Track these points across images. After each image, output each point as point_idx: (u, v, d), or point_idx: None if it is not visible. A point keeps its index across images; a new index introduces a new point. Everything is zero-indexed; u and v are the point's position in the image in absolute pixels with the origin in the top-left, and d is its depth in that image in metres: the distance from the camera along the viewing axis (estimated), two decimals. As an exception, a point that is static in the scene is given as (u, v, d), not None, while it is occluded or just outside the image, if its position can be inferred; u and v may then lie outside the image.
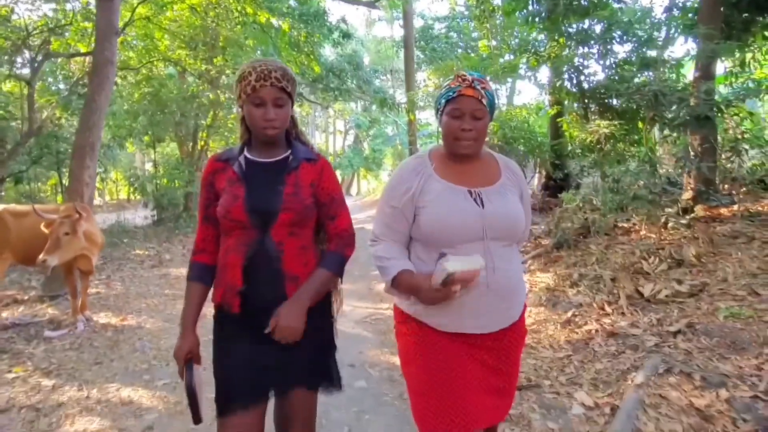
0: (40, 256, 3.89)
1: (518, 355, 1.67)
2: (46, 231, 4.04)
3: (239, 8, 11.91)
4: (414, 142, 15.98)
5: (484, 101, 1.53)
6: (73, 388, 3.14)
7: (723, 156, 6.18)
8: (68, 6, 10.09)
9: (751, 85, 6.51)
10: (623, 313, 3.74)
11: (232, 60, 13.52)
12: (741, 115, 6.38)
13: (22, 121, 10.42)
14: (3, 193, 11.75)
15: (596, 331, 3.57)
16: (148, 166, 24.42)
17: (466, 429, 1.50)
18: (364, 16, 30.27)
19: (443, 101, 1.56)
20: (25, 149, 10.52)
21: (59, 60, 9.51)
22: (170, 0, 11.56)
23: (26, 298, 5.92)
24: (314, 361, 1.58)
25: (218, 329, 1.58)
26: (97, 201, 15.87)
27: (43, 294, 5.66)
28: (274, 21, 12.92)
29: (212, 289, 1.59)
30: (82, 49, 10.12)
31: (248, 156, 1.58)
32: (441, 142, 1.66)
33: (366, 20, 37.92)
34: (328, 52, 21.79)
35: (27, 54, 9.84)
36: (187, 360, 1.51)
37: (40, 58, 8.62)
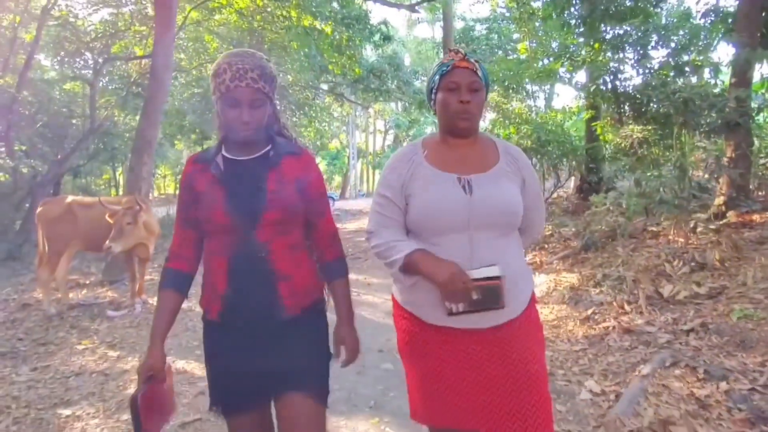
0: (106, 243, 4.35)
1: (531, 344, 1.51)
2: (110, 221, 4.49)
3: (284, 13, 12.36)
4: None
5: (479, 73, 1.49)
6: (135, 358, 3.57)
7: (759, 162, 6.20)
8: (125, 9, 10.80)
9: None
10: (641, 312, 3.91)
11: (277, 62, 14.08)
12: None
13: (83, 119, 11.20)
14: (62, 186, 12.58)
15: (613, 327, 3.76)
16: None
17: (457, 425, 1.48)
18: (405, 17, 30.62)
19: (437, 78, 1.51)
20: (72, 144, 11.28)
21: (118, 62, 10.15)
22: (219, 4, 12.08)
23: (88, 282, 6.49)
24: (308, 367, 1.49)
25: (205, 335, 1.53)
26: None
27: (103, 279, 6.20)
28: (317, 24, 13.32)
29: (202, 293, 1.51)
30: (139, 53, 10.81)
31: (226, 155, 1.49)
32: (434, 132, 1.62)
33: (407, 21, 38.12)
34: (369, 52, 22.12)
35: (89, 56, 10.61)
36: (148, 377, 1.41)
37: (101, 60, 9.26)
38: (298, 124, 19.34)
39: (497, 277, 1.37)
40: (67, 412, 2.76)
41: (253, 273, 1.42)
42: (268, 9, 12.37)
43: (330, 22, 14.15)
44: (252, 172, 1.46)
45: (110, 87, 10.72)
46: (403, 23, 37.41)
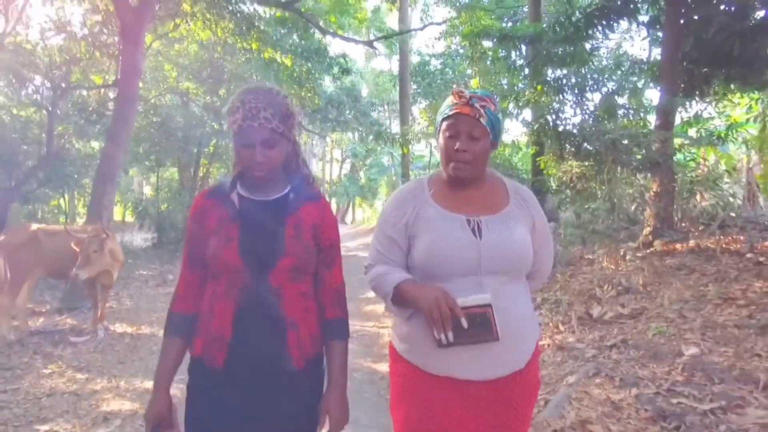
0: (73, 271, 4.50)
1: (527, 410, 1.48)
2: (76, 249, 4.64)
3: (245, 45, 12.70)
4: (407, 174, 16.74)
5: (483, 120, 1.41)
6: (104, 380, 3.74)
7: (683, 196, 6.89)
8: (80, 36, 10.88)
9: (703, 134, 7.23)
10: (573, 331, 4.36)
11: (236, 91, 14.36)
12: (696, 161, 7.14)
13: (36, 145, 11.11)
14: (9, 213, 12.34)
15: (548, 345, 4.18)
16: (146, 190, 25.08)
17: None
18: (364, 49, 31.53)
19: (440, 120, 1.47)
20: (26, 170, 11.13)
21: (79, 92, 10.23)
22: (181, 35, 12.32)
23: (44, 310, 6.49)
24: (306, 420, 1.45)
25: (194, 384, 1.44)
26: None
27: (62, 306, 6.24)
28: (278, 57, 13.71)
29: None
30: (97, 80, 10.90)
31: (241, 193, 1.45)
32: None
33: (365, 53, 39.13)
34: (327, 83, 22.65)
35: (46, 84, 10.62)
36: (157, 425, 1.40)
37: (59, 90, 9.34)
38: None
39: (487, 305, 1.30)
40: (44, 427, 2.95)
41: (263, 319, 1.36)
42: (229, 41, 12.71)
43: (290, 56, 14.58)
44: (270, 215, 1.41)
45: (69, 114, 10.70)
46: (361, 55, 38.33)
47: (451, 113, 1.43)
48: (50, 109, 9.15)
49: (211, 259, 1.38)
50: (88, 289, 5.30)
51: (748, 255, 5.18)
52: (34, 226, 5.39)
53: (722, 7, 7.13)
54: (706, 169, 11.56)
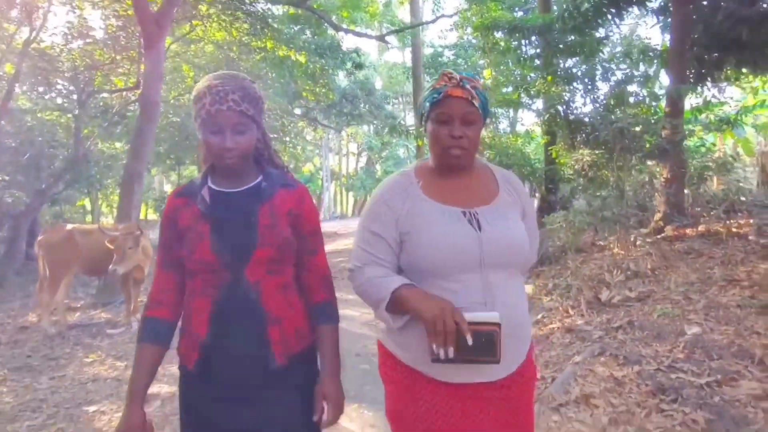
0: (111, 266, 4.81)
1: (530, 404, 1.45)
2: (110, 246, 4.95)
3: (260, 44, 12.95)
4: (422, 165, 16.92)
5: (476, 102, 1.33)
6: (142, 367, 4.03)
7: (693, 182, 6.98)
8: (100, 41, 11.24)
9: (713, 119, 7.30)
10: (582, 315, 4.54)
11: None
12: (707, 146, 7.22)
13: (63, 148, 11.54)
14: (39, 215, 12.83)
15: (558, 328, 4.38)
16: (167, 188, 25.64)
17: None
18: (376, 42, 31.60)
19: (428, 105, 1.37)
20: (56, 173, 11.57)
21: (102, 95, 10.62)
22: (198, 37, 12.62)
23: (78, 305, 6.85)
24: (297, 426, 1.38)
25: (181, 385, 1.41)
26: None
27: (96, 301, 6.59)
28: (292, 54, 13.96)
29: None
30: (119, 84, 11.26)
31: (212, 187, 1.39)
32: (424, 158, 1.52)
33: (378, 46, 39.23)
34: (342, 77, 22.86)
35: (71, 88, 11.01)
36: None
37: (84, 94, 9.71)
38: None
39: (495, 324, 1.21)
40: (92, 408, 3.26)
41: (241, 316, 1.31)
42: (244, 40, 12.97)
43: (304, 52, 14.83)
44: (242, 206, 1.36)
45: (93, 117, 11.09)
46: (374, 48, 38.40)
47: (441, 97, 1.33)
48: (76, 112, 9.51)
49: (185, 259, 1.33)
50: (121, 284, 5.62)
51: (755, 238, 5.30)
52: (69, 226, 5.72)
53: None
54: (721, 155, 11.59)
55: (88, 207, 20.47)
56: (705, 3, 7.53)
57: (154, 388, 3.58)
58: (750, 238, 5.33)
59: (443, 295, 1.27)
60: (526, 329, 1.43)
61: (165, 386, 3.65)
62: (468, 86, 1.33)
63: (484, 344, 1.20)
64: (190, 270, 1.35)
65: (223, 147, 1.29)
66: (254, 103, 1.32)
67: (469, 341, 1.18)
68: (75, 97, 10.52)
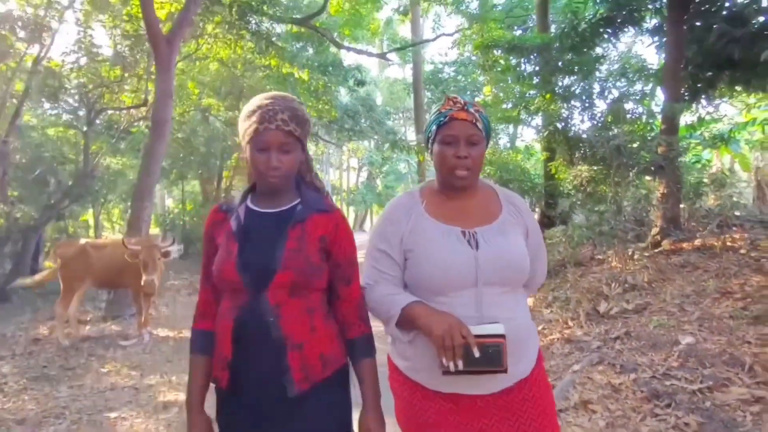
0: (147, 277, 4.98)
1: (540, 414, 1.42)
2: (131, 260, 5.09)
3: (264, 62, 13.21)
4: (424, 181, 17.16)
5: (479, 125, 1.41)
6: (156, 376, 4.19)
7: (688, 198, 7.17)
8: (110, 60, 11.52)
9: (707, 137, 7.51)
10: (581, 326, 4.69)
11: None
12: (702, 162, 7.42)
13: (71, 164, 11.74)
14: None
15: (557, 339, 4.53)
16: (168, 202, 25.83)
17: None
18: (378, 59, 31.99)
19: (434, 128, 1.44)
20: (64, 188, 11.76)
21: (110, 111, 10.86)
22: (204, 55, 12.88)
23: (88, 318, 6.99)
24: None
25: (217, 405, 1.42)
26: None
27: (106, 314, 6.73)
28: (295, 71, 14.22)
29: None
30: (127, 101, 11.50)
31: (250, 206, 1.42)
32: (431, 179, 1.60)
33: (379, 63, 39.73)
34: (343, 93, 23.16)
35: (76, 104, 11.25)
36: None
37: (93, 112, 9.95)
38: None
39: (500, 335, 1.29)
40: (113, 415, 3.40)
41: (260, 339, 1.29)
42: (249, 58, 13.21)
43: (307, 70, 15.10)
44: (273, 227, 1.36)
45: (100, 133, 11.31)
46: (375, 64, 38.87)
47: (447, 119, 1.41)
48: (85, 129, 9.74)
49: (214, 276, 1.35)
50: (133, 297, 5.77)
51: (749, 252, 5.46)
52: (83, 240, 5.88)
53: (723, 13, 7.43)
54: (718, 170, 11.80)
55: (91, 222, 20.62)
56: (698, 23, 7.76)
57: (170, 396, 3.75)
58: (742, 252, 5.49)
59: (440, 309, 1.34)
60: (526, 344, 1.43)
61: (181, 394, 3.79)
62: (472, 110, 1.41)
63: (491, 355, 1.27)
64: (220, 288, 1.38)
65: (268, 165, 1.31)
66: (302, 125, 1.35)
67: (476, 354, 1.26)
68: (81, 113, 10.73)
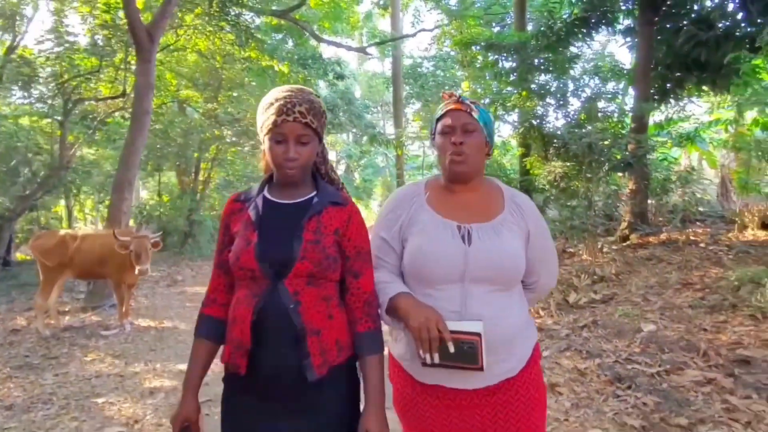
0: (141, 267, 5.07)
1: (526, 415, 1.44)
2: (122, 251, 5.14)
3: (244, 54, 13.17)
4: (401, 175, 17.29)
5: (474, 114, 1.46)
6: (141, 364, 4.28)
7: (655, 194, 7.47)
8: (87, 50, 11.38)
9: (674, 135, 7.81)
10: (552, 315, 4.92)
11: (235, 99, 14.94)
12: (670, 160, 7.73)
13: (44, 154, 11.59)
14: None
15: (529, 327, 4.74)
16: (143, 194, 25.52)
17: None
18: (357, 52, 31.95)
19: (434, 123, 1.52)
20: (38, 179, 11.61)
21: (87, 102, 10.74)
22: (183, 47, 12.79)
23: (66, 309, 6.99)
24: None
25: (226, 392, 1.43)
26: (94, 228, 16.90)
27: (85, 305, 6.74)
28: (275, 64, 14.20)
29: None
30: (104, 91, 11.38)
31: (267, 196, 1.44)
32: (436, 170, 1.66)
33: (358, 56, 39.66)
34: (322, 86, 23.16)
35: (46, 93, 11.10)
36: (183, 428, 1.39)
37: (72, 102, 9.86)
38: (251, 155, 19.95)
39: (477, 333, 1.29)
40: (101, 400, 3.49)
41: (280, 326, 1.31)
42: (228, 50, 13.15)
43: (287, 63, 15.09)
44: (291, 218, 1.39)
45: (75, 123, 11.17)
46: (354, 57, 38.78)
47: (443, 112, 1.49)
48: (61, 120, 9.64)
49: (231, 264, 1.36)
50: (114, 288, 5.80)
51: (709, 246, 5.77)
52: (62, 232, 5.89)
53: (692, 16, 7.73)
54: (687, 168, 12.22)
55: (62, 213, 20.29)
56: (668, 26, 8.05)
57: (156, 382, 3.85)
58: (703, 245, 5.79)
59: (425, 302, 1.37)
60: (520, 346, 1.43)
61: (167, 381, 3.90)
62: (467, 101, 1.47)
63: (466, 352, 1.30)
64: (236, 276, 1.38)
65: (286, 157, 1.34)
66: (318, 117, 1.37)
67: (451, 349, 1.29)
68: (57, 103, 10.58)
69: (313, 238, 1.35)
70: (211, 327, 1.44)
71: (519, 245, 1.44)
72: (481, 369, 1.31)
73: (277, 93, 1.36)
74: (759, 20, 6.45)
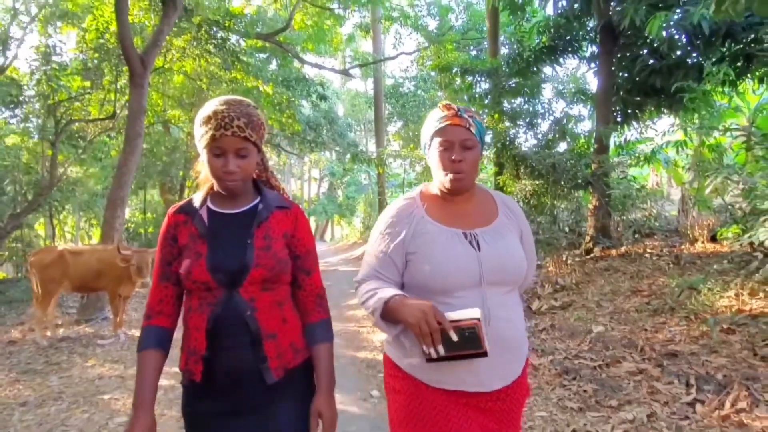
0: (143, 280, 5.46)
1: (519, 417, 1.53)
2: (123, 264, 5.53)
3: (230, 76, 13.63)
4: (383, 192, 17.80)
5: (473, 130, 1.46)
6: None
7: (616, 210, 8.04)
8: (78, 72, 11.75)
9: (632, 156, 8.43)
10: (516, 321, 5.39)
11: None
12: (629, 179, 8.33)
13: (35, 173, 11.86)
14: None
15: (495, 332, 5.21)
16: (126, 211, 25.61)
17: None
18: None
19: (431, 135, 1.50)
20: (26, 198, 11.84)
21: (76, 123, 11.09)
22: (170, 69, 13.22)
23: (60, 322, 7.30)
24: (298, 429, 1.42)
25: (185, 400, 1.45)
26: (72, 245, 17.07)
27: (79, 318, 7.06)
28: (260, 85, 14.67)
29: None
30: (93, 113, 11.73)
31: (211, 207, 1.45)
32: (428, 182, 1.64)
33: (342, 76, 40.39)
34: (305, 105, 23.63)
35: (39, 115, 11.42)
36: None
37: (63, 122, 10.22)
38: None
39: (475, 319, 1.30)
40: (106, 396, 3.87)
41: (237, 332, 1.35)
42: (213, 72, 13.58)
43: (271, 84, 15.58)
44: (238, 227, 1.42)
45: (64, 143, 11.48)
46: (337, 77, 39.51)
47: (442, 126, 1.47)
48: (53, 140, 9.99)
49: (183, 278, 1.37)
50: (110, 300, 6.15)
51: (661, 257, 6.32)
52: (61, 247, 6.25)
53: (645, 50, 8.39)
54: (657, 185, 12.95)
55: (41, 232, 20.32)
56: (627, 54, 8.72)
57: (117, 393, 4.22)
58: (655, 257, 6.35)
59: (444, 310, 1.32)
60: (522, 344, 1.48)
61: (164, 379, 4.27)
62: (465, 115, 1.47)
63: (469, 338, 1.29)
64: (187, 288, 1.39)
65: (225, 170, 1.35)
66: (257, 130, 1.39)
67: (454, 337, 1.28)
68: (42, 122, 10.89)
69: (263, 244, 1.40)
70: (160, 337, 1.42)
71: (520, 246, 1.52)
72: (485, 354, 1.31)
73: (215, 106, 1.36)
74: (701, 53, 7.12)
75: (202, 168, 1.44)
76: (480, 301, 1.39)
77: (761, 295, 4.24)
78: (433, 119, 1.50)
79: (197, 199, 1.47)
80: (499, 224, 1.51)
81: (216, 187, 1.44)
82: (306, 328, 1.48)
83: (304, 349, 1.46)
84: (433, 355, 1.30)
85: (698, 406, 3.01)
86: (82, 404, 3.73)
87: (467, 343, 1.30)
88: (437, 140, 1.48)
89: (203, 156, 1.39)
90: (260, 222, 1.42)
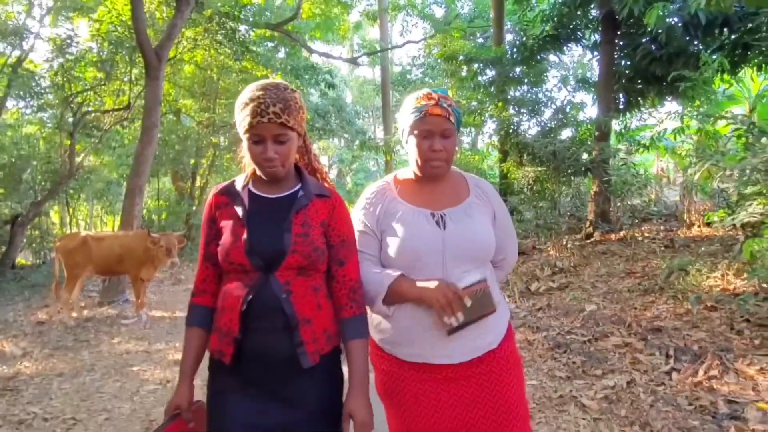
0: (172, 260, 5.88)
1: (509, 383, 1.52)
2: (151, 246, 5.90)
3: (240, 66, 13.88)
4: (392, 177, 18.05)
5: (452, 119, 1.50)
6: (162, 344, 5.01)
7: (616, 195, 8.27)
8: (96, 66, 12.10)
9: (633, 143, 8.62)
10: (515, 301, 5.69)
11: (230, 107, 15.66)
12: (629, 165, 8.54)
13: (54, 162, 12.27)
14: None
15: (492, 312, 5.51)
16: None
17: None
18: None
19: (410, 121, 1.52)
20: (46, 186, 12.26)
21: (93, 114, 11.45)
22: (181, 59, 13.51)
23: (83, 304, 7.69)
24: (327, 419, 1.41)
25: (212, 380, 1.45)
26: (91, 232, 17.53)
27: (101, 300, 7.45)
28: (269, 74, 14.92)
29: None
30: (108, 103, 12.08)
31: (252, 190, 1.46)
32: (403, 168, 1.68)
33: (350, 65, 40.41)
34: (313, 92, 23.84)
35: (68, 110, 11.80)
36: (175, 416, 1.41)
37: (80, 113, 10.58)
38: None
39: (482, 280, 1.39)
40: (135, 368, 4.22)
41: (272, 316, 1.34)
42: (224, 62, 13.85)
43: (280, 73, 15.82)
44: (278, 212, 1.42)
45: (82, 133, 11.85)
46: (345, 64, 39.58)
47: (422, 115, 1.49)
48: (71, 131, 10.36)
49: (221, 258, 1.39)
50: (132, 282, 6.52)
51: (656, 241, 6.57)
52: (84, 233, 6.61)
53: (646, 38, 8.54)
54: (662, 170, 13.10)
55: (55, 219, 20.79)
56: (629, 43, 8.87)
57: (178, 356, 4.55)
58: (651, 241, 6.60)
59: None
60: (497, 320, 1.52)
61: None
62: (445, 105, 1.49)
63: (482, 299, 1.39)
64: (225, 269, 1.41)
65: (264, 157, 1.36)
66: (295, 114, 1.37)
67: (468, 303, 1.37)
68: (59, 113, 11.24)
69: (301, 231, 1.39)
70: (203, 316, 1.46)
71: (488, 224, 1.56)
72: (495, 311, 1.44)
73: (251, 92, 1.37)
74: (700, 42, 7.28)
75: (245, 153, 1.45)
76: (441, 277, 1.44)
77: (745, 275, 4.50)
78: (413, 107, 1.52)
79: (240, 181, 1.49)
80: (468, 204, 1.56)
81: (258, 172, 1.45)
82: (340, 322, 1.46)
83: (335, 337, 1.45)
84: (454, 323, 1.39)
85: (674, 374, 3.30)
86: (113, 375, 4.09)
87: (482, 305, 1.40)
88: (417, 128, 1.51)
89: (244, 141, 1.41)
90: (299, 209, 1.43)
